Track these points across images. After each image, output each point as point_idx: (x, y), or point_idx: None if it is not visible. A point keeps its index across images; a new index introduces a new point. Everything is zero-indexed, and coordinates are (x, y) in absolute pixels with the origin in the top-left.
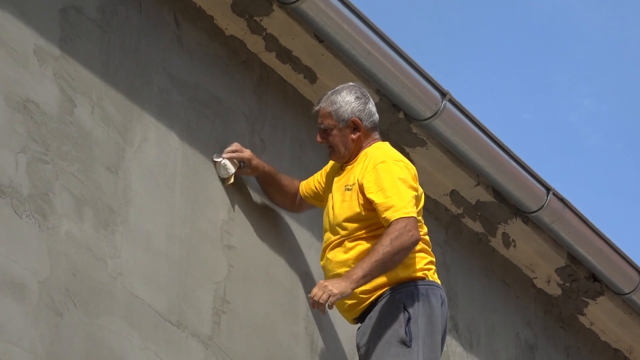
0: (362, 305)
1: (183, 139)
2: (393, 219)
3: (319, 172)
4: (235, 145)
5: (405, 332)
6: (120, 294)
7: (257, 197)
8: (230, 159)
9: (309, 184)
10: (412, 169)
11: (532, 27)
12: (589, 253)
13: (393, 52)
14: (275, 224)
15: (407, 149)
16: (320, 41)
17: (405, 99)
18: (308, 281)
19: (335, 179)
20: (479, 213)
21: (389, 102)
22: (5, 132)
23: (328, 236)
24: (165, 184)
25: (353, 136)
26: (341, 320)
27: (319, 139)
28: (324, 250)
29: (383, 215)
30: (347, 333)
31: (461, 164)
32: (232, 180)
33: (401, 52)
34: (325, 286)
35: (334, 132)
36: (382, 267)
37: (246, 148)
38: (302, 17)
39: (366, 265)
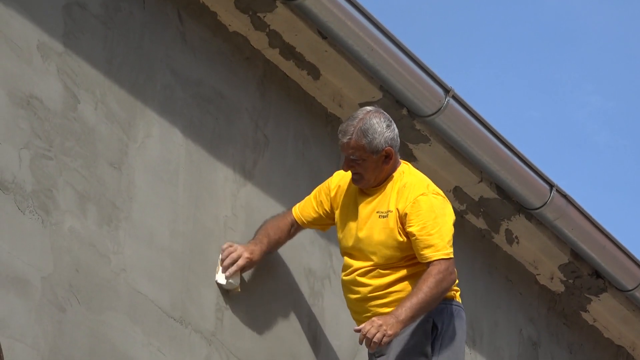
0: None
1: (186, 135)
2: (434, 258)
3: (315, 193)
4: (228, 256)
5: (431, 346)
6: (123, 290)
7: (260, 193)
8: (233, 273)
9: (308, 212)
10: (447, 200)
11: (539, 24)
12: (592, 250)
13: (396, 49)
14: None
15: (411, 146)
16: (324, 37)
17: (408, 96)
18: (311, 277)
19: (361, 202)
20: (482, 209)
21: (392, 99)
22: (9, 128)
23: (357, 258)
24: (169, 180)
25: (386, 165)
26: (344, 317)
27: (346, 168)
28: (353, 271)
29: (422, 252)
30: (350, 330)
31: (464, 161)
32: (239, 289)
33: (404, 48)
34: (380, 325)
35: (367, 163)
36: (426, 308)
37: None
38: (305, 13)
39: (415, 306)
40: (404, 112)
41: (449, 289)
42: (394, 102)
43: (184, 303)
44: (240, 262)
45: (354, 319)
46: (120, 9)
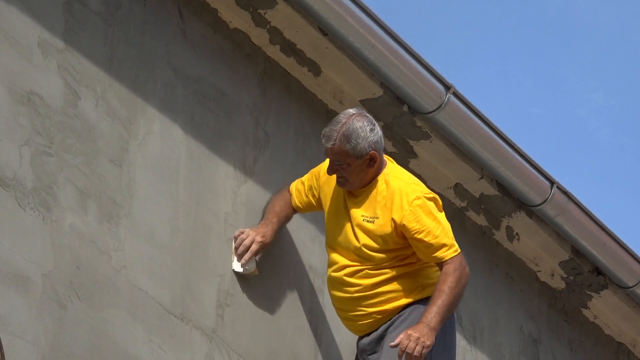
0: (380, 324)
1: (187, 132)
2: (447, 257)
3: (309, 177)
4: (241, 243)
5: None
6: (124, 287)
7: (260, 190)
8: (249, 259)
9: (300, 196)
10: (437, 197)
11: (541, 21)
12: (592, 246)
13: (397, 46)
14: None
15: (411, 142)
16: (325, 34)
17: (409, 92)
18: (312, 274)
19: (349, 202)
20: (482, 206)
21: (392, 95)
22: (10, 125)
23: (344, 256)
24: (169, 177)
25: (370, 168)
26: None
27: (330, 172)
28: (340, 269)
29: (434, 255)
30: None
31: (465, 157)
32: (257, 271)
33: (405, 45)
34: (418, 338)
35: (351, 168)
36: (452, 307)
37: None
38: (306, 10)
39: (441, 309)
40: (405, 108)
41: (466, 283)
42: (394, 99)
43: (185, 300)
44: (254, 247)
45: (339, 316)
46: (120, 5)
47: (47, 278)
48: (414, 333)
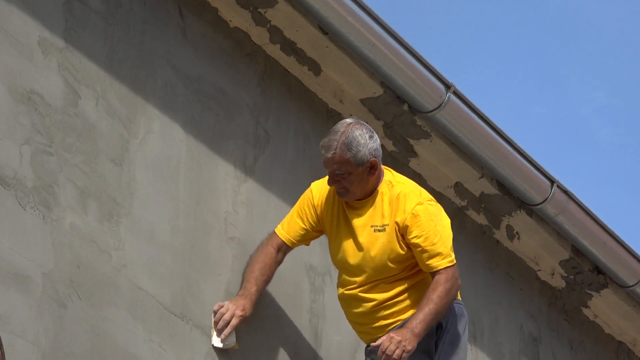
0: (390, 327)
1: (187, 131)
2: (441, 267)
3: (298, 210)
4: (221, 318)
5: (435, 345)
6: (124, 286)
7: (260, 189)
8: (228, 334)
9: (295, 230)
10: (439, 205)
11: (544, 20)
12: (593, 246)
13: (397, 45)
14: (279, 216)
15: (412, 141)
16: (325, 33)
17: (409, 92)
18: (312, 273)
19: (352, 216)
20: (483, 205)
21: (393, 95)
22: (10, 124)
23: (357, 274)
24: (170, 176)
25: (371, 177)
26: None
27: (331, 183)
28: (354, 287)
29: (427, 262)
30: (351, 326)
31: (465, 157)
32: (237, 346)
33: (405, 44)
34: (399, 342)
35: (352, 177)
36: (439, 317)
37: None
38: (306, 9)
39: (427, 317)
40: (405, 107)
41: (456, 295)
42: (394, 98)
43: (185, 299)
44: (234, 321)
45: (355, 330)
46: (121, 5)
47: (48, 277)
48: (396, 336)
